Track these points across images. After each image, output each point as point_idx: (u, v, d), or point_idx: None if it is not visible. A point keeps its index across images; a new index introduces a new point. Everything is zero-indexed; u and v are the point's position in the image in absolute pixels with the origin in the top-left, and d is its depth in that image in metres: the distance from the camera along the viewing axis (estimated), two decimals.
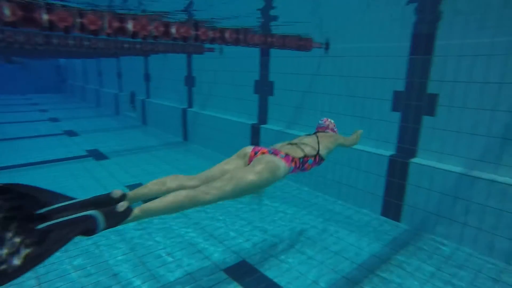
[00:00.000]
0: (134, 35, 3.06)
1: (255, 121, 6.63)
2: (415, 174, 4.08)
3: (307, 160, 2.41)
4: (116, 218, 1.48)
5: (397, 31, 4.10)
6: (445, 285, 3.08)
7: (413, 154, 4.21)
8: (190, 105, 8.72)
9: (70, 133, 9.57)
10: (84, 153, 7.43)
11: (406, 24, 3.99)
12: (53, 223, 1.25)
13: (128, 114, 12.29)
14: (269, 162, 2.10)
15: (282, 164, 2.17)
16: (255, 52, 6.28)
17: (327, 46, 4.94)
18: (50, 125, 10.79)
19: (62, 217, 1.28)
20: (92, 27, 2.63)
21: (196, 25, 3.38)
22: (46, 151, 7.51)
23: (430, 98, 3.95)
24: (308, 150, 2.46)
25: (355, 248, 3.69)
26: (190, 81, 8.56)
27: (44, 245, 1.16)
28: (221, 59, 7.24)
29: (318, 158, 2.53)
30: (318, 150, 2.52)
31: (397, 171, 4.25)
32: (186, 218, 4.29)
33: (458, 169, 3.76)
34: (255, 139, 6.49)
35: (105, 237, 3.71)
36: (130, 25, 2.95)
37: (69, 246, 2.54)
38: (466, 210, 3.66)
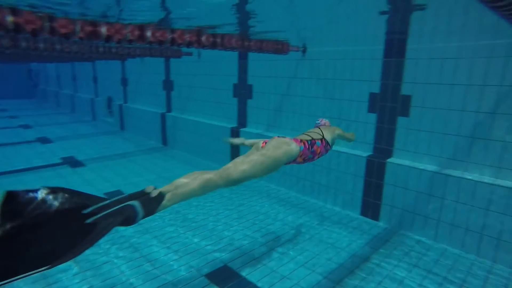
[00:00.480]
0: (108, 39, 2.99)
1: (234, 125, 6.62)
2: (391, 173, 4.19)
3: (315, 142, 2.57)
4: (152, 204, 1.62)
5: (371, 35, 4.22)
6: (423, 280, 3.17)
7: (389, 154, 4.33)
8: (169, 109, 8.61)
9: (44, 140, 9.22)
10: (59, 161, 7.18)
11: (380, 28, 4.10)
12: (99, 217, 1.41)
13: (105, 119, 11.99)
14: (280, 140, 2.31)
15: (292, 143, 2.35)
16: (233, 55, 6.29)
17: (304, 49, 5.01)
18: (21, 132, 10.36)
19: (104, 211, 1.45)
20: (63, 31, 2.56)
21: (172, 28, 3.35)
22: (16, 159, 7.19)
23: (404, 100, 4.08)
24: (314, 135, 2.66)
25: (336, 248, 3.73)
26: (168, 85, 8.45)
27: (91, 235, 1.33)
28: (199, 63, 7.20)
29: (324, 142, 2.69)
30: (323, 135, 2.72)
31: (375, 171, 4.35)
32: (167, 222, 4.22)
33: (431, 167, 3.89)
34: None
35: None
36: (103, 29, 2.89)
37: None
38: (440, 207, 3.79)
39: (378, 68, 4.26)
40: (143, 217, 1.58)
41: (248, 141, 2.53)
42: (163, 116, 8.64)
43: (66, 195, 1.37)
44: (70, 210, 1.35)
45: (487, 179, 3.48)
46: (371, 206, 4.47)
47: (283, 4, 2.94)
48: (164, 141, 8.80)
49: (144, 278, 3.14)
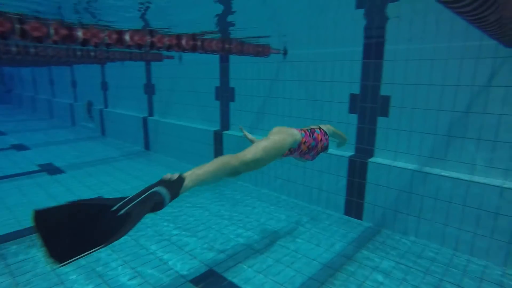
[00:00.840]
0: (84, 43, 2.92)
1: (217, 128, 6.59)
2: (373, 173, 4.26)
3: (314, 131, 2.78)
4: (175, 187, 1.72)
5: (350, 37, 4.29)
6: (406, 275, 3.24)
7: (371, 154, 4.41)
8: (151, 113, 8.49)
9: (19, 147, 8.90)
10: (36, 168, 6.94)
11: (358, 29, 4.19)
12: (130, 207, 1.54)
13: (86, 124, 11.70)
14: (282, 127, 2.55)
15: (294, 129, 2.59)
16: (215, 58, 6.27)
17: (285, 52, 5.05)
18: None
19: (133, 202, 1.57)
20: (36, 34, 2.48)
21: (151, 32, 3.31)
22: None
23: (383, 100, 4.16)
24: (312, 126, 2.91)
25: (321, 248, 3.76)
26: (149, 89, 8.34)
27: (127, 222, 1.48)
28: (180, 66, 7.14)
29: (323, 132, 2.89)
30: (320, 126, 2.94)
31: (357, 171, 4.42)
32: (149, 228, 4.15)
33: (411, 166, 3.99)
34: (218, 146, 6.44)
35: None
36: (79, 33, 2.82)
37: None
38: (420, 205, 3.89)
39: (357, 69, 4.34)
40: (170, 200, 1.69)
41: (256, 139, 2.76)
42: (145, 120, 8.51)
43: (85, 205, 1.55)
44: (99, 211, 1.54)
45: (463, 176, 3.59)
46: (354, 206, 4.53)
47: (265, 9, 2.97)
48: (147, 146, 8.66)
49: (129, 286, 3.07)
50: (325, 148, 2.94)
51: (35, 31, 2.43)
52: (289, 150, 2.56)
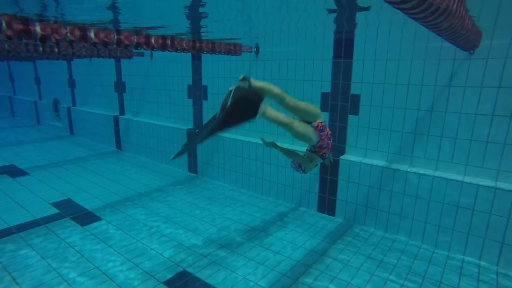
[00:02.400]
0: (43, 39, 2.77)
1: (190, 126, 6.50)
2: (345, 170, 4.36)
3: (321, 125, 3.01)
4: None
5: (321, 36, 4.34)
6: (377, 268, 3.35)
7: (342, 151, 4.50)
8: (122, 112, 8.22)
9: None
10: None
11: (328, 29, 4.24)
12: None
13: (53, 123, 11.16)
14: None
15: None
16: (187, 56, 6.16)
17: (257, 50, 5.04)
18: None
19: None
20: None
21: (118, 29, 3.19)
22: None
23: (353, 99, 4.26)
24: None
25: (294, 245, 3.81)
26: (120, 87, 8.07)
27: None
28: (152, 63, 6.96)
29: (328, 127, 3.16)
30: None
31: (329, 168, 4.50)
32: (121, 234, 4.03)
33: (381, 163, 4.11)
34: (192, 145, 6.35)
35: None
36: (37, 28, 2.67)
37: None
38: (389, 200, 4.02)
39: (328, 68, 4.41)
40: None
41: (279, 146, 3.29)
42: (116, 119, 8.23)
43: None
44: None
45: (428, 171, 3.75)
46: (327, 202, 4.62)
47: (235, 4, 2.92)
48: (118, 145, 8.40)
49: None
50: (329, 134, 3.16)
51: None
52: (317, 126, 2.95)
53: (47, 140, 9.49)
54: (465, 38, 2.53)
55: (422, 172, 3.76)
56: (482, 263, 3.45)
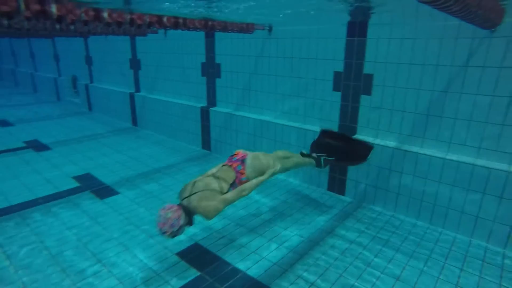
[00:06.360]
0: (59, 19, 2.84)
1: (204, 104, 6.58)
2: None
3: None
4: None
5: (335, 13, 4.23)
6: (383, 247, 3.44)
7: (353, 131, 4.49)
8: (138, 89, 8.36)
9: (3, 123, 8.76)
10: (22, 145, 6.90)
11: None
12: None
13: (72, 100, 11.48)
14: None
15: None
16: (200, 34, 6.14)
17: (270, 28, 4.97)
18: None
19: None
20: (4, 9, 2.38)
21: (130, 9, 3.22)
22: None
23: (366, 78, 4.20)
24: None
25: (304, 223, 3.93)
26: (135, 64, 8.16)
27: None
28: (166, 41, 6.98)
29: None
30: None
31: None
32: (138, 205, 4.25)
33: (392, 143, 4.09)
34: (205, 122, 6.46)
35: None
36: (53, 9, 2.73)
37: None
38: (399, 181, 4.04)
39: (341, 47, 4.33)
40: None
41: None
42: (131, 96, 8.40)
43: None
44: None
45: (439, 153, 3.72)
46: (337, 182, 4.68)
47: None
48: (134, 122, 8.61)
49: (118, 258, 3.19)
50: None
51: (1, 5, 2.33)
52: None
53: (67, 116, 9.82)
54: (483, 18, 2.44)
55: (433, 154, 3.73)
56: (489, 245, 3.48)
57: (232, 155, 3.24)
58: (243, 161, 3.12)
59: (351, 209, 4.28)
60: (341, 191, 4.65)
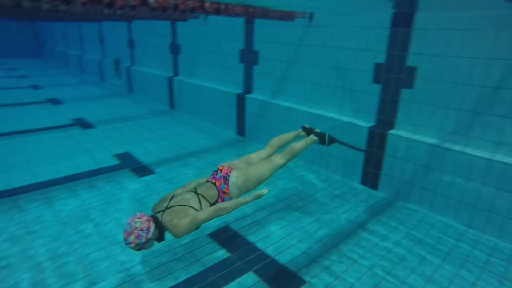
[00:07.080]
0: (110, 4, 3.00)
1: (240, 91, 6.64)
2: (392, 145, 4.24)
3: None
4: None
5: (379, 2, 4.06)
6: (416, 245, 3.36)
7: (391, 125, 4.35)
8: (176, 73, 8.60)
9: (55, 101, 9.41)
10: (70, 122, 7.40)
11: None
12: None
13: (114, 81, 12.05)
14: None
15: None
16: (239, 20, 6.15)
17: (311, 16, 4.87)
18: (32, 93, 10.54)
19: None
20: None
21: None
22: (29, 120, 7.44)
23: (408, 71, 4.02)
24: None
25: (334, 214, 3.91)
26: (175, 48, 8.37)
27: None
28: (205, 26, 7.07)
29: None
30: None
31: (376, 142, 4.41)
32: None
33: (432, 140, 3.92)
34: (241, 109, 6.53)
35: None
36: None
37: None
38: (437, 180, 3.88)
39: (384, 37, 4.16)
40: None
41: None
42: (170, 80, 8.65)
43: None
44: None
45: (485, 154, 3.52)
46: (370, 176, 4.58)
47: None
48: (172, 105, 8.89)
49: None
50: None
51: None
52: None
53: (109, 97, 10.34)
54: None
55: (478, 154, 3.53)
56: None
57: (216, 171, 2.95)
58: (226, 178, 2.86)
59: (383, 205, 4.19)
60: (374, 186, 4.56)
